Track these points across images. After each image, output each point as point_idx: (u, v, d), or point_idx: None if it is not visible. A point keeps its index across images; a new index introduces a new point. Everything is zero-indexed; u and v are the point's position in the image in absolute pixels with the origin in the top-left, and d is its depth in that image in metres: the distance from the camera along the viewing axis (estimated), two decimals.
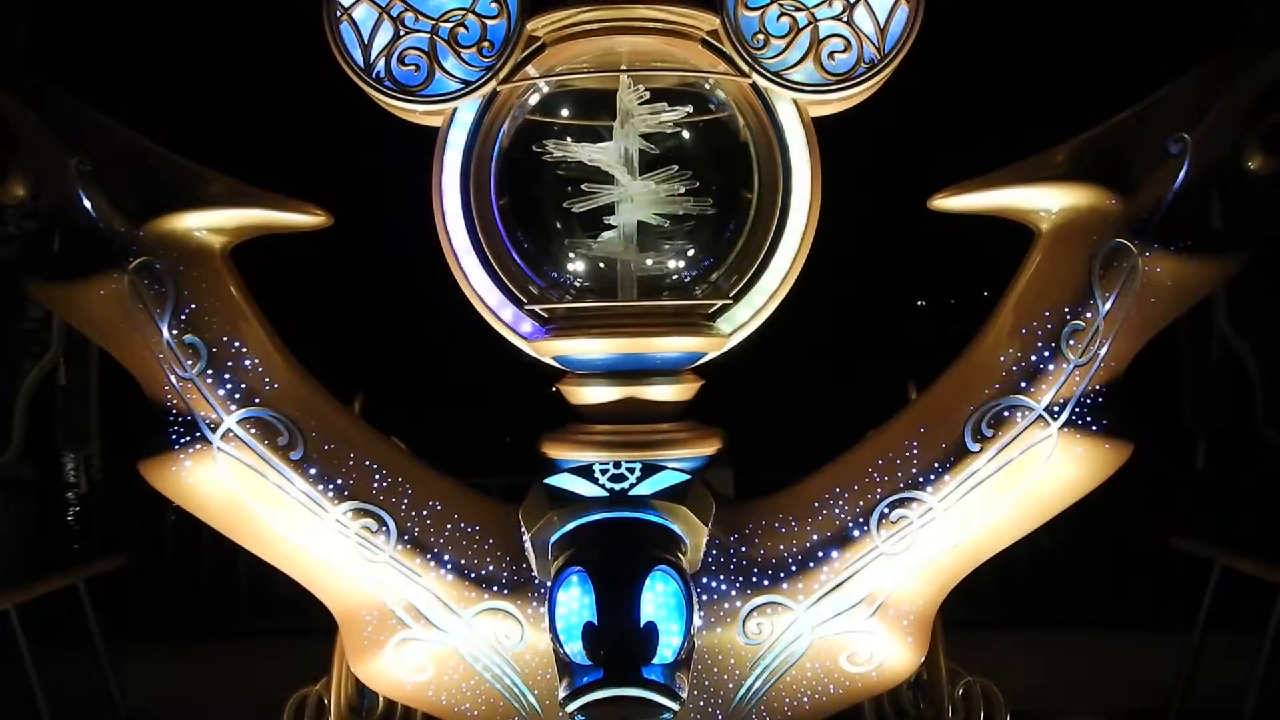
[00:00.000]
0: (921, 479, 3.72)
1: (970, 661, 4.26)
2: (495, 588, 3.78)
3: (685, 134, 4.03)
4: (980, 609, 6.85)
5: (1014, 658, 5.26)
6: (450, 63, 3.93)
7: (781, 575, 3.73)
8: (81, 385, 6.98)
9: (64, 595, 5.59)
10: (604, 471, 3.58)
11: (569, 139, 4.01)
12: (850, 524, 3.74)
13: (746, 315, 3.99)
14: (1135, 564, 7.36)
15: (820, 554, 3.74)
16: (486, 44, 3.92)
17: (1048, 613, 7.28)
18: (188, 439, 3.78)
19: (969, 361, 3.86)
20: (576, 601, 3.31)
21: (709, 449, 4.02)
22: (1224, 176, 4.02)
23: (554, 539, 3.45)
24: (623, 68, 3.93)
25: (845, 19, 3.87)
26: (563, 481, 3.58)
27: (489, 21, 3.91)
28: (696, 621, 3.40)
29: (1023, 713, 4.28)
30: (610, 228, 3.98)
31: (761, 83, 3.94)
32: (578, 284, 4.12)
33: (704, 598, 3.69)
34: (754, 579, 3.74)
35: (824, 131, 4.02)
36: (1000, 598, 7.05)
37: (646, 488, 3.50)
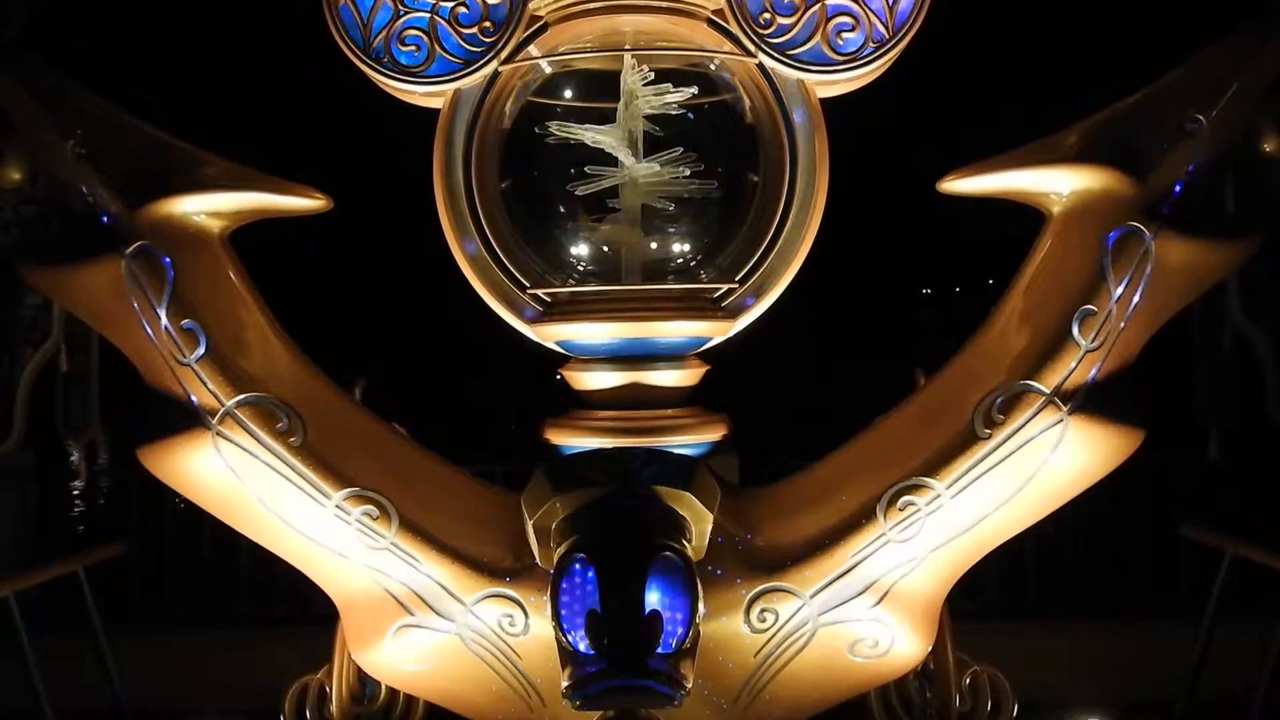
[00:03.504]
0: (930, 466, 3.64)
1: (978, 651, 4.21)
2: (497, 575, 3.73)
3: (690, 116, 3.97)
4: (988, 598, 6.85)
5: (1022, 647, 5.20)
6: (451, 43, 3.88)
7: (787, 563, 3.67)
8: (83, 372, 6.97)
9: (64, 582, 5.58)
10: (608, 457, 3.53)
11: (572, 121, 3.96)
12: (858, 511, 3.67)
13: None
14: (1144, 553, 7.32)
15: (827, 541, 3.67)
16: (488, 24, 3.87)
17: (1056, 602, 7.26)
18: (186, 425, 3.71)
19: (978, 347, 3.79)
20: (579, 589, 3.25)
21: (714, 435, 3.98)
22: (1238, 160, 3.96)
23: (556, 525, 3.40)
24: (627, 48, 3.88)
25: None
26: (565, 467, 3.53)
27: (490, 1, 3.86)
28: (701, 609, 3.35)
29: (1030, 702, 4.24)
30: (614, 210, 3.93)
31: (768, 63, 3.88)
32: (581, 267, 4.09)
33: (709, 585, 3.64)
34: (759, 566, 3.68)
35: (832, 112, 3.96)
36: (1008, 587, 7.03)
37: (650, 474, 3.45)
